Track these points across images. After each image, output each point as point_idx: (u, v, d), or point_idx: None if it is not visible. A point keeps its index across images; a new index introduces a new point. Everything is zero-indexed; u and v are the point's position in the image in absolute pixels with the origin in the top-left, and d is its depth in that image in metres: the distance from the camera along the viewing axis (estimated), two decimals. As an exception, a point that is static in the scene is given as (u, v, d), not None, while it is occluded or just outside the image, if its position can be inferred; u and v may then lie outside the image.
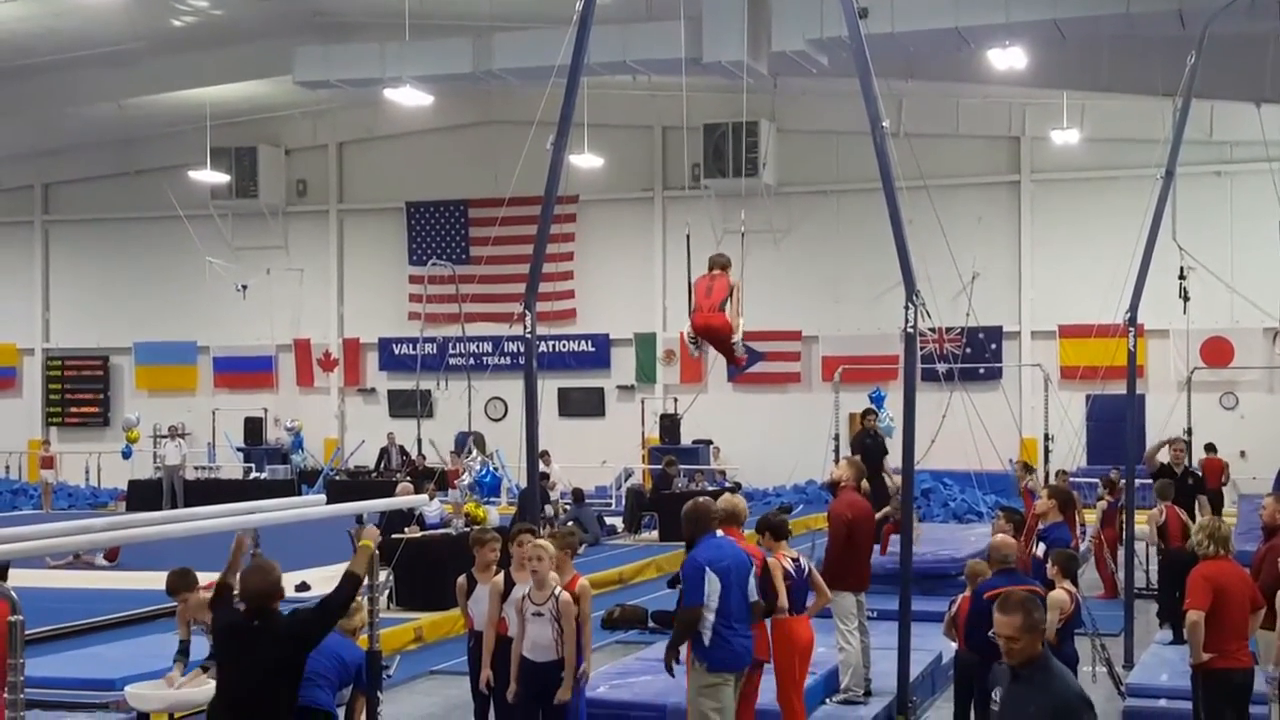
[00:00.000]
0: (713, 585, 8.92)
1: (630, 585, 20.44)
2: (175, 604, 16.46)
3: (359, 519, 8.63)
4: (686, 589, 9.08)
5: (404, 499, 13.58)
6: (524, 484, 13.59)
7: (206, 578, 12.16)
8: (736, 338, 12.20)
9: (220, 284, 36.31)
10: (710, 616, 8.95)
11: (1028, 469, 21.14)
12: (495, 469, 27.48)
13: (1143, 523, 16.40)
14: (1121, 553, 16.22)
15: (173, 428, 33.71)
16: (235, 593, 7.57)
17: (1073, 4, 22.95)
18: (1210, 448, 26.21)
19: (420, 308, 35.30)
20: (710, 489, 27.07)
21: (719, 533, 9.39)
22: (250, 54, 31.82)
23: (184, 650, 10.32)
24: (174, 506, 27.96)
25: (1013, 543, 9.67)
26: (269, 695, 7.21)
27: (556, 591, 9.16)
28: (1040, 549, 11.16)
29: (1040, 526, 11.63)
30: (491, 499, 24.30)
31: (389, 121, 36.17)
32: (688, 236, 11.32)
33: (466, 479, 25.67)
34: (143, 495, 31.41)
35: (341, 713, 8.52)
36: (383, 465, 33.36)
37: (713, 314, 12.34)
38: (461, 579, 10.41)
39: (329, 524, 8.72)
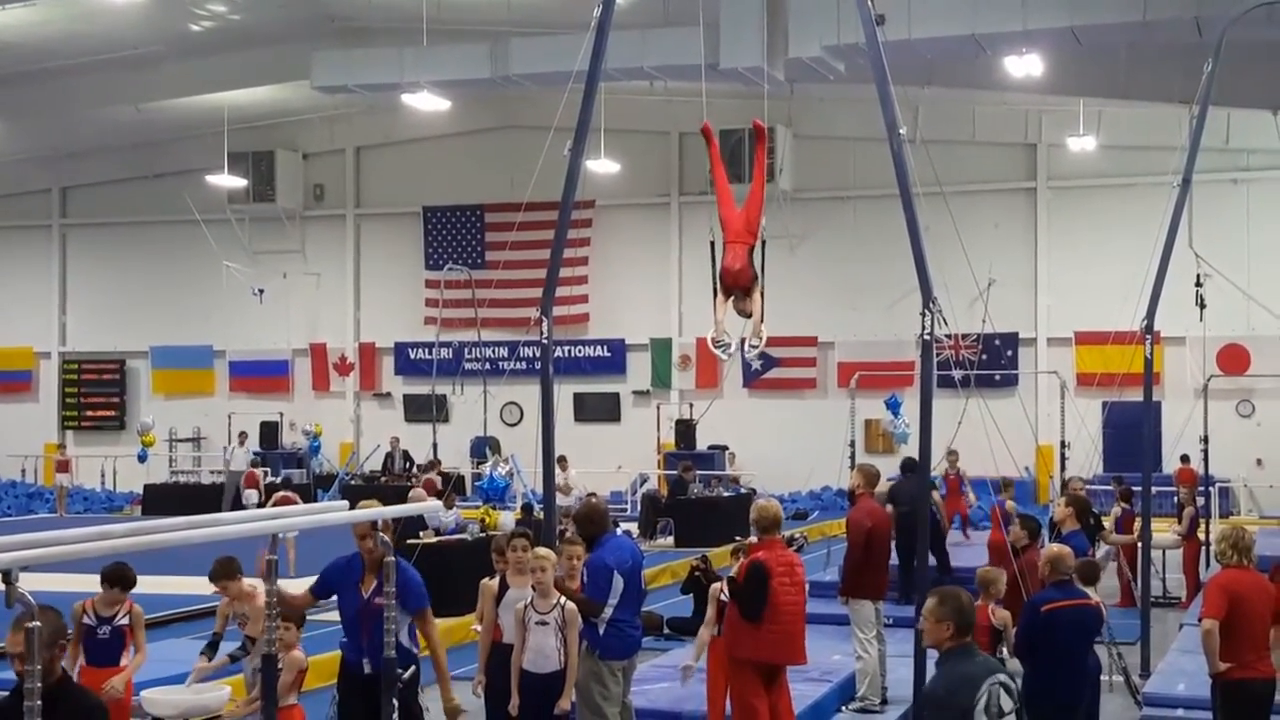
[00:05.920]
0: (616, 585, 9.46)
1: (646, 591, 20.34)
2: (190, 610, 16.60)
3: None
4: (592, 586, 9.49)
5: (420, 505, 13.53)
6: (539, 489, 13.53)
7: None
8: (758, 341, 11.45)
9: (237, 288, 36.44)
10: (609, 612, 9.42)
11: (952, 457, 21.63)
12: (507, 474, 27.44)
13: (1161, 530, 16.34)
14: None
15: (242, 434, 34.10)
16: None
17: (1090, 11, 22.90)
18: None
19: (436, 312, 35.32)
20: (726, 495, 27.12)
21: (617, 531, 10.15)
22: (268, 59, 31.91)
23: (213, 644, 10.26)
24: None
25: (1070, 553, 9.57)
26: None
27: (561, 601, 9.10)
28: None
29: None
30: (498, 505, 24.33)
31: (406, 126, 36.23)
32: (712, 244, 11.19)
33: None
34: (159, 499, 31.45)
35: None
36: (386, 469, 33.43)
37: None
38: (492, 582, 10.02)
39: (348, 529, 8.73)
